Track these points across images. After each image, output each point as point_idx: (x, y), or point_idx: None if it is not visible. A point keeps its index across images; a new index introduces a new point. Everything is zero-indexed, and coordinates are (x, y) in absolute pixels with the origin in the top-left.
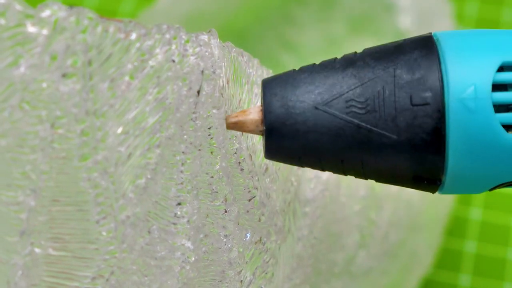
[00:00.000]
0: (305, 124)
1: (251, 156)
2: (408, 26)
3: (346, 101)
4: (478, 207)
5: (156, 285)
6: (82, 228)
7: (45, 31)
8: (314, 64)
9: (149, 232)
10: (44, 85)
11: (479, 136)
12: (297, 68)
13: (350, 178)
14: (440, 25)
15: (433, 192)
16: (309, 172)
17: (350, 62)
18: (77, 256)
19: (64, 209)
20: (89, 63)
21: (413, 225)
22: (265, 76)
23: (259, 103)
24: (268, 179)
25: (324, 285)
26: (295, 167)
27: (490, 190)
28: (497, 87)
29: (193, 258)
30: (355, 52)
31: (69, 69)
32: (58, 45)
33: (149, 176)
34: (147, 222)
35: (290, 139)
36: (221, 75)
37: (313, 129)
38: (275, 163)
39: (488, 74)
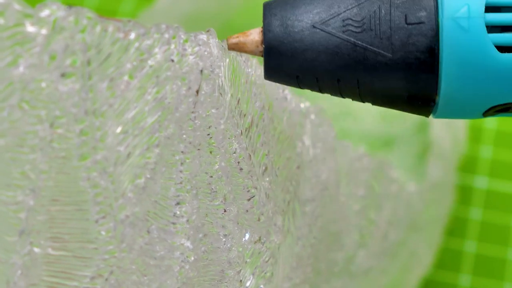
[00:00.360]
0: (303, 42)
1: (250, 155)
2: None
3: (343, 20)
4: (478, 207)
5: (156, 284)
6: (81, 227)
7: (44, 31)
8: None
9: (148, 231)
10: (43, 84)
11: (472, 55)
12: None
13: (349, 178)
14: None
15: (428, 114)
16: (308, 172)
17: None
18: (77, 256)
19: (63, 209)
20: (88, 62)
21: (413, 224)
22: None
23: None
24: (268, 179)
25: (323, 285)
26: (294, 167)
27: (484, 115)
28: (491, 8)
29: (192, 258)
30: None
31: (68, 68)
32: (57, 44)
33: (148, 176)
34: (146, 221)
35: (288, 57)
36: (220, 74)
37: (310, 47)
38: (274, 162)
39: None
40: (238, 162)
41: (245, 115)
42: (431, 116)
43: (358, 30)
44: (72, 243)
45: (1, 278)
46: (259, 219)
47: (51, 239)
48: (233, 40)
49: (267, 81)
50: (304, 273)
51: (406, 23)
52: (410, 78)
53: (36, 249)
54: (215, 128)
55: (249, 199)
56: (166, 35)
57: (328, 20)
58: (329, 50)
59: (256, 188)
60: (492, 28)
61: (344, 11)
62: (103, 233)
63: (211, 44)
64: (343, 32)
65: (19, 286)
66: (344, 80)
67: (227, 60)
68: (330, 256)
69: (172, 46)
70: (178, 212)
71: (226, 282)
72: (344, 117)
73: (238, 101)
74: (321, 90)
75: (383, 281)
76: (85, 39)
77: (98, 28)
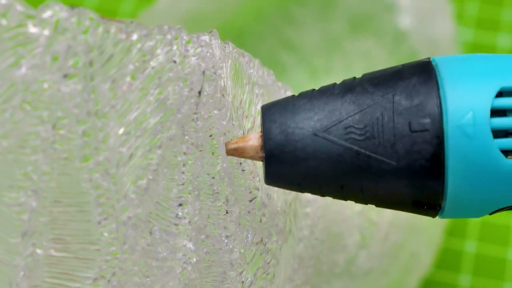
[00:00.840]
0: (305, 150)
1: None
2: (408, 26)
3: (345, 128)
4: None
5: (158, 286)
6: (83, 229)
7: (46, 32)
8: (313, 89)
9: (150, 233)
10: (46, 85)
11: (478, 161)
12: (298, 93)
13: None
14: (440, 24)
15: (433, 216)
16: None
17: (349, 88)
18: (79, 257)
19: (65, 210)
20: (91, 63)
21: (414, 226)
22: (266, 76)
23: (258, 130)
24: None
25: (325, 286)
26: None
27: (491, 214)
28: (496, 112)
29: (194, 259)
30: (354, 78)
31: (71, 69)
32: (59, 45)
33: (150, 177)
34: (148, 223)
35: (289, 165)
36: (222, 75)
37: (312, 156)
38: None
39: (486, 100)
40: (240, 163)
41: (247, 116)
42: (437, 217)
43: (361, 138)
44: (74, 245)
45: (4, 279)
46: (261, 220)
47: (53, 240)
48: (232, 145)
49: (269, 82)
50: (305, 274)
51: (410, 131)
52: (415, 186)
53: (38, 251)
54: (217, 129)
55: (251, 200)
56: (168, 36)
57: (330, 127)
58: (331, 159)
59: (258, 189)
60: (498, 132)
61: (346, 118)
62: (105, 234)
63: (213, 45)
64: (346, 140)
65: (21, 287)
66: (347, 186)
67: (230, 61)
68: (331, 257)
69: (174, 47)
70: (180, 214)
71: (228, 283)
72: None
73: (241, 102)
74: (323, 195)
75: (384, 282)
76: (88, 40)
77: (100, 29)
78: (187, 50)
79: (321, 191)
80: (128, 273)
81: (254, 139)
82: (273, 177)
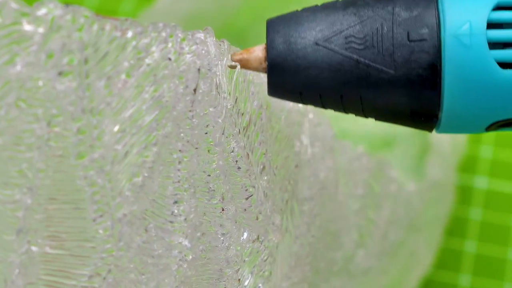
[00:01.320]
0: (306, 59)
1: (248, 154)
2: None
3: (346, 37)
4: (478, 207)
5: (153, 283)
6: (78, 226)
7: (41, 29)
8: (317, 4)
9: (146, 230)
10: (40, 83)
11: (474, 71)
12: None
13: (348, 178)
14: None
15: (431, 130)
16: (306, 171)
17: (351, 1)
18: (74, 255)
19: (60, 207)
20: (85, 61)
21: (413, 224)
22: (262, 75)
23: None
24: (266, 178)
25: (322, 284)
26: (292, 166)
27: (487, 130)
28: (493, 25)
29: (190, 257)
30: None
31: (65, 67)
32: (54, 43)
33: (146, 174)
34: (144, 220)
35: (291, 74)
36: (218, 73)
37: (313, 64)
38: (273, 161)
39: (483, 12)
40: (236, 161)
41: (243, 114)
42: (434, 131)
43: (361, 47)
44: (70, 242)
45: None
46: (257, 218)
47: (49, 237)
48: (237, 57)
49: (265, 80)
50: (302, 272)
51: (409, 40)
52: (412, 95)
53: (33, 248)
54: (213, 126)
55: (247, 198)
56: (163, 34)
57: (331, 37)
58: (332, 67)
59: (254, 187)
60: (494, 44)
61: (347, 28)
62: (100, 231)
63: (208, 43)
64: (346, 49)
65: (17, 284)
66: (347, 96)
67: (225, 59)
68: (329, 255)
69: (170, 45)
70: (176, 211)
71: (224, 281)
72: (344, 117)
73: (236, 99)
74: (324, 106)
75: (383, 281)
76: (82, 37)
77: (95, 27)
78: (182, 48)
79: (322, 102)
80: (123, 270)
81: (258, 51)
82: (276, 86)
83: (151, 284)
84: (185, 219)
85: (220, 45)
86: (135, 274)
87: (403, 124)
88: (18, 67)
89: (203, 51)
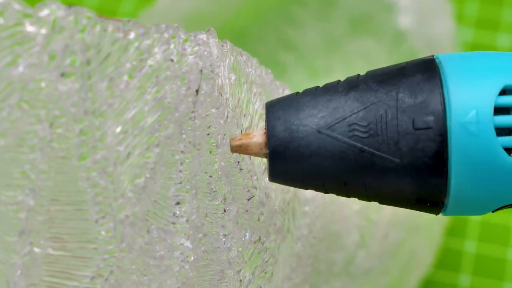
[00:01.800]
0: (308, 147)
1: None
2: (407, 26)
3: (349, 125)
4: None
5: (155, 284)
6: (81, 227)
7: (43, 31)
8: (318, 87)
9: (148, 231)
10: (43, 84)
11: (481, 159)
12: (300, 91)
13: None
14: (440, 24)
15: (437, 214)
16: None
17: (353, 85)
18: (76, 256)
19: (63, 209)
20: (88, 62)
21: (413, 225)
22: (264, 75)
23: (262, 125)
24: (267, 179)
25: (323, 285)
26: None
27: (493, 211)
28: (499, 110)
29: (192, 258)
30: (358, 75)
31: (68, 68)
32: (56, 44)
33: (148, 176)
34: (146, 221)
35: (293, 162)
36: (220, 74)
37: (316, 153)
38: None
39: (490, 98)
40: (238, 162)
41: (245, 115)
42: (440, 215)
43: (365, 135)
44: (72, 243)
45: (1, 278)
46: (259, 219)
47: (51, 239)
48: (236, 142)
49: (268, 81)
50: (304, 273)
51: (414, 128)
52: (418, 183)
53: (36, 249)
54: (215, 127)
55: (249, 199)
56: (166, 35)
57: (334, 124)
58: (335, 156)
59: (256, 188)
60: (501, 130)
61: (350, 115)
62: (103, 233)
63: (210, 44)
64: (349, 137)
65: (19, 286)
66: (351, 184)
67: (227, 60)
68: (330, 256)
69: (172, 46)
70: (178, 212)
71: (226, 282)
72: None
73: (238, 100)
74: (327, 192)
75: (383, 281)
76: (85, 38)
77: (97, 28)
78: (184, 49)
79: (325, 188)
80: (125, 272)
81: (258, 136)
82: (277, 174)
83: (153, 286)
84: (187, 220)
85: (222, 46)
86: (137, 275)
87: (408, 208)
88: (21, 68)
89: (206, 52)
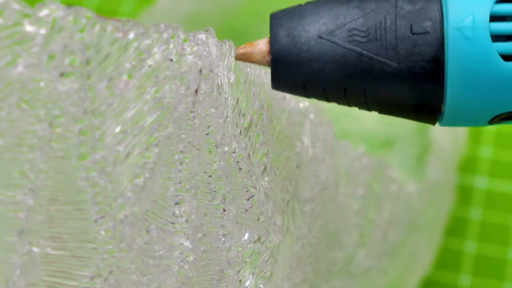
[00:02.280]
0: (309, 52)
1: (249, 155)
2: None
3: (349, 30)
4: (478, 207)
5: (155, 284)
6: (80, 227)
7: (43, 30)
8: None
9: (147, 231)
10: (42, 84)
11: (477, 64)
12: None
13: (349, 178)
14: None
15: (434, 123)
16: (307, 171)
17: None
18: (76, 255)
19: (62, 208)
20: (87, 62)
21: (413, 224)
22: (263, 75)
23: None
24: (267, 178)
25: (323, 285)
26: (293, 166)
27: (490, 123)
28: (496, 18)
29: (191, 258)
30: None
31: (67, 68)
32: (56, 44)
33: (147, 175)
34: (145, 221)
35: (294, 67)
36: (219, 74)
37: (316, 57)
38: (274, 162)
39: (486, 5)
40: (237, 162)
41: (244, 115)
42: (437, 124)
43: (364, 40)
44: (71, 243)
45: (0, 277)
46: (258, 219)
47: (50, 238)
48: (241, 50)
49: (266, 81)
50: (303, 273)
51: (412, 33)
52: (415, 88)
53: (35, 249)
54: (214, 127)
55: (248, 199)
56: (165, 35)
57: (334, 30)
58: (335, 60)
59: (255, 187)
60: (497, 37)
61: (350, 21)
62: (102, 232)
63: (209, 44)
64: (349, 42)
65: (18, 285)
66: (350, 89)
67: (226, 60)
68: (329, 256)
69: (171, 46)
70: (177, 212)
71: (225, 282)
72: (345, 117)
73: (237, 100)
74: (327, 100)
75: (383, 281)
76: (84, 38)
77: (97, 28)
78: (183, 49)
79: (325, 95)
80: (125, 272)
81: (261, 44)
82: (279, 80)
83: (152, 285)
84: (187, 220)
85: (221, 46)
86: (137, 275)
87: (407, 117)
88: (20, 68)
89: (205, 52)
